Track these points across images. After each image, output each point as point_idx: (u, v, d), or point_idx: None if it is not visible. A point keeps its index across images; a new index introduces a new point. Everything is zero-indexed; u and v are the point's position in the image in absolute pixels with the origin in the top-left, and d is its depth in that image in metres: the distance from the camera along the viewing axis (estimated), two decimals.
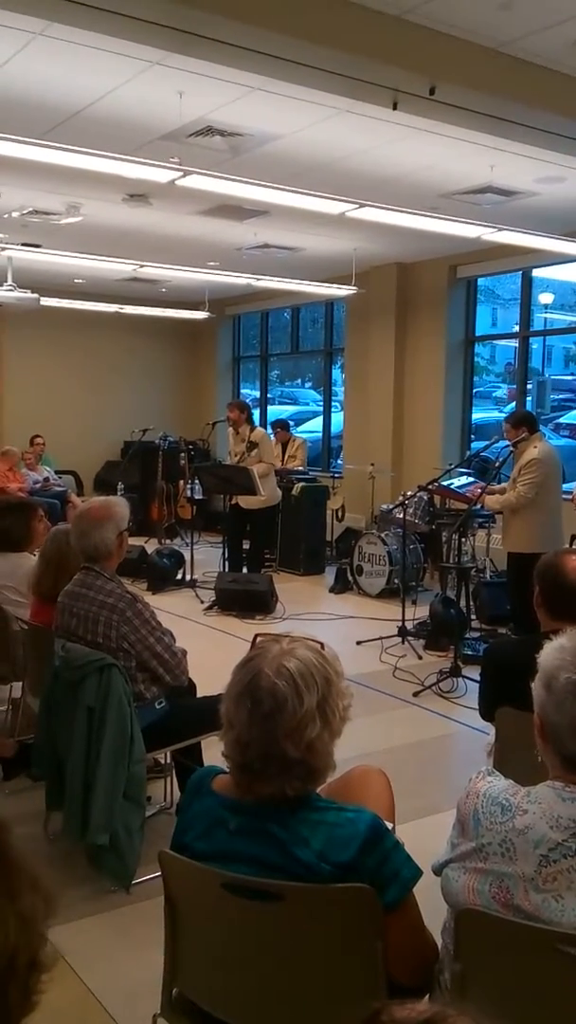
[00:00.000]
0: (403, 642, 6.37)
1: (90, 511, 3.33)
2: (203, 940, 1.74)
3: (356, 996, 1.60)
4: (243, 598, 7.31)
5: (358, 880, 1.53)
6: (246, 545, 8.33)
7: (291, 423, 11.07)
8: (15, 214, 7.60)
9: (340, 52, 3.73)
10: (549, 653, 1.56)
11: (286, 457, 9.84)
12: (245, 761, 1.59)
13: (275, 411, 13.47)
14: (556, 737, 1.53)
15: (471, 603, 6.83)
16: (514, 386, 10.04)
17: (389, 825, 1.68)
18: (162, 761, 3.66)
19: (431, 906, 1.65)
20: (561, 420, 12.96)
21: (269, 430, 9.84)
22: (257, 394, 13.20)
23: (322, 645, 1.68)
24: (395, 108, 4.22)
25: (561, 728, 1.52)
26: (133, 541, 4.14)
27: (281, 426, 10.19)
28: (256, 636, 1.71)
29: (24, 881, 0.86)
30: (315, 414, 13.37)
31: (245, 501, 7.92)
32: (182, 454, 10.88)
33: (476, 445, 9.37)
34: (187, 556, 8.34)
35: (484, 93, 4.17)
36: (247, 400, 10.32)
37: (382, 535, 8.00)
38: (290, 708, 1.56)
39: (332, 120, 5.14)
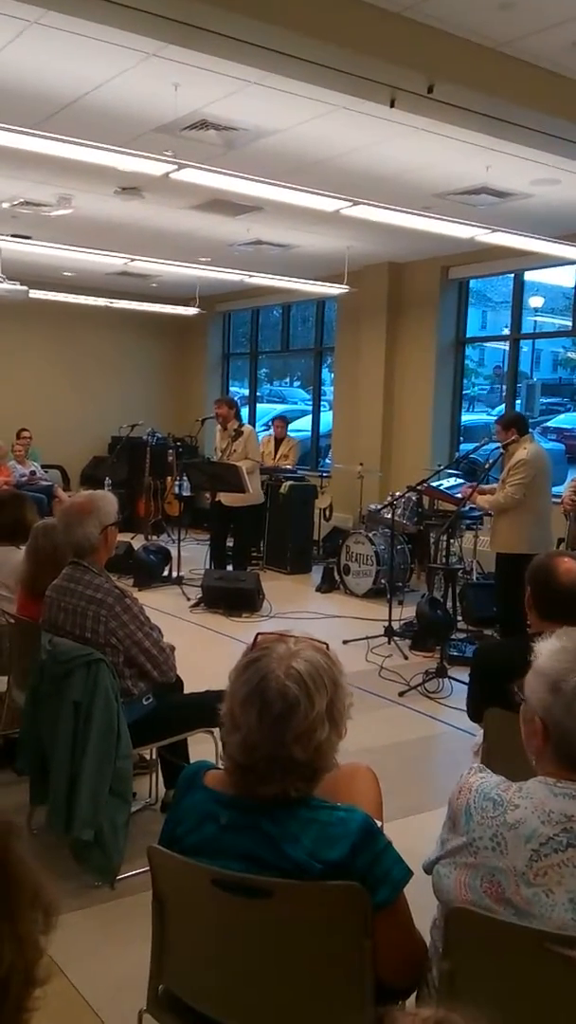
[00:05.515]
0: (389, 642, 6.37)
1: (74, 506, 3.30)
2: (191, 936, 1.73)
3: (344, 994, 1.59)
4: (230, 596, 7.29)
5: (348, 879, 1.52)
6: (230, 543, 8.32)
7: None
8: (5, 205, 7.55)
9: (339, 47, 3.72)
10: (550, 656, 1.56)
11: (278, 456, 9.82)
12: (250, 763, 1.56)
13: (264, 409, 13.45)
14: (564, 739, 1.52)
15: (457, 604, 6.84)
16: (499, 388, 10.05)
17: (378, 823, 1.67)
18: (148, 757, 3.65)
19: (418, 904, 1.65)
20: (549, 424, 12.99)
21: (258, 427, 9.80)
22: (246, 392, 13.18)
23: (327, 646, 1.65)
24: (392, 106, 4.19)
25: (572, 731, 1.51)
26: (120, 537, 4.12)
27: (282, 420, 10.15)
28: (257, 635, 1.67)
29: (25, 897, 0.84)
30: (304, 413, 13.35)
31: (227, 499, 7.90)
32: (170, 450, 10.84)
33: (465, 447, 9.39)
34: (174, 553, 8.32)
35: (482, 93, 4.16)
36: (235, 398, 10.28)
37: (370, 535, 7.99)
38: (302, 711, 1.53)
39: (328, 116, 5.12)
